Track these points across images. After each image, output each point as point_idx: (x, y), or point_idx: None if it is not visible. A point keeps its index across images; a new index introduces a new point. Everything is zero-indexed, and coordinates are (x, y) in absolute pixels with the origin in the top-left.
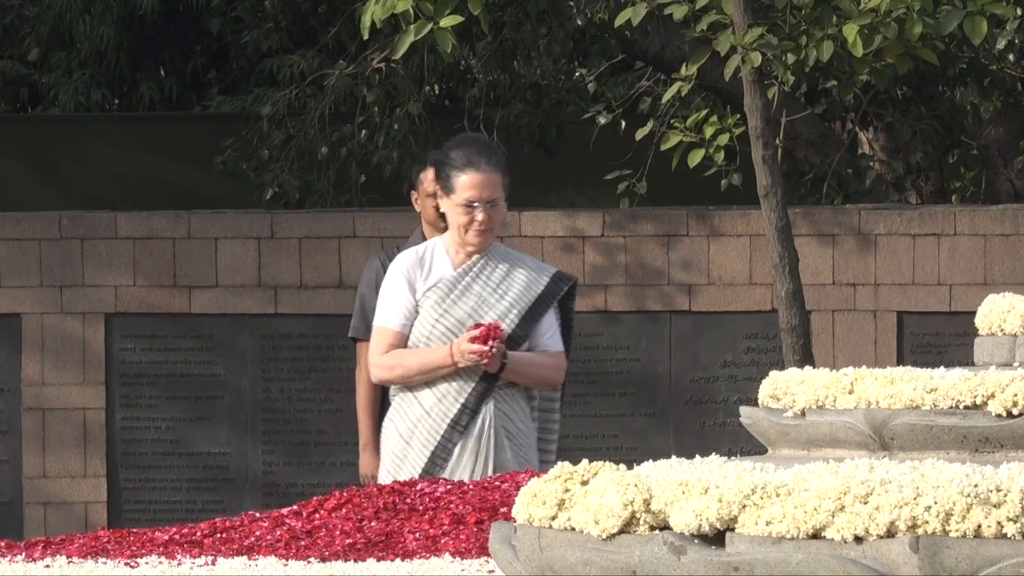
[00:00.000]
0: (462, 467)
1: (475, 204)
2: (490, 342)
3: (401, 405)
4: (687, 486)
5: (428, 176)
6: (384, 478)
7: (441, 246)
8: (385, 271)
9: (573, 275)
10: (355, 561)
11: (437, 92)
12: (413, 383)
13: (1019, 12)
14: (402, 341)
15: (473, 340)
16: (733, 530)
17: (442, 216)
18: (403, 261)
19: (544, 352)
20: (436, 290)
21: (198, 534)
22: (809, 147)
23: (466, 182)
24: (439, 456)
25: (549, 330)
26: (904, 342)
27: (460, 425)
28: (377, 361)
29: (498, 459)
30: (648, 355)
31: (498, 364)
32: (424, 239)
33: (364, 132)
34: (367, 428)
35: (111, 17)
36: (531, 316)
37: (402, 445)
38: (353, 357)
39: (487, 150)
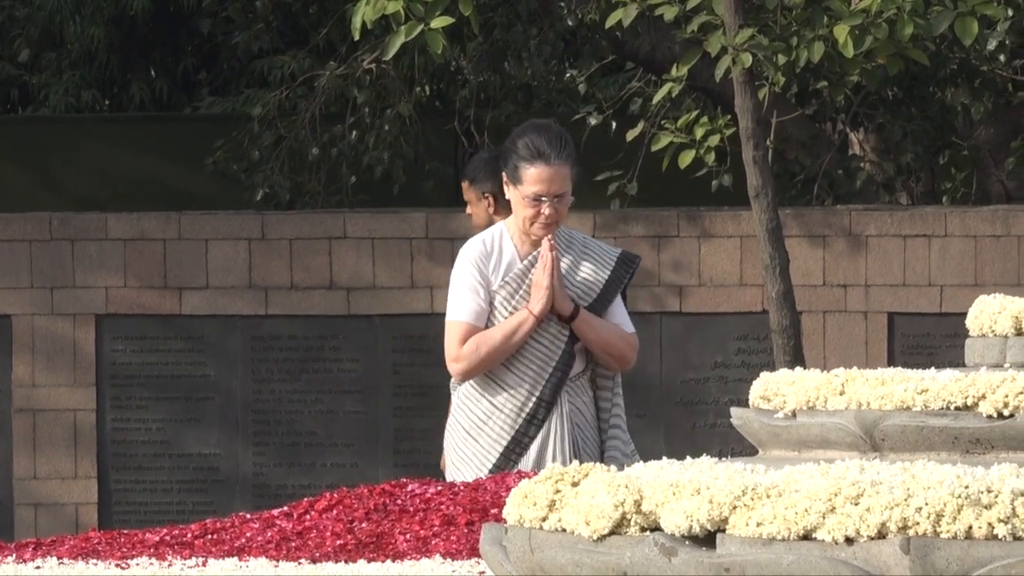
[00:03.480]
0: (543, 463)
1: (543, 198)
2: (547, 242)
3: (465, 401)
4: (678, 487)
5: (464, 186)
6: (451, 475)
7: (507, 233)
8: None
9: (637, 256)
10: (346, 562)
11: (428, 93)
12: (498, 360)
13: (1010, 13)
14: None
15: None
16: (724, 531)
17: (507, 202)
18: (471, 252)
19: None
20: (506, 285)
21: (189, 535)
22: (800, 148)
23: (534, 175)
24: (512, 451)
25: (617, 315)
26: (895, 343)
27: (537, 419)
28: (457, 354)
29: (573, 455)
30: (639, 356)
31: (566, 301)
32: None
33: (355, 133)
34: None
35: (101, 18)
36: (596, 308)
37: (470, 441)
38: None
39: (557, 141)
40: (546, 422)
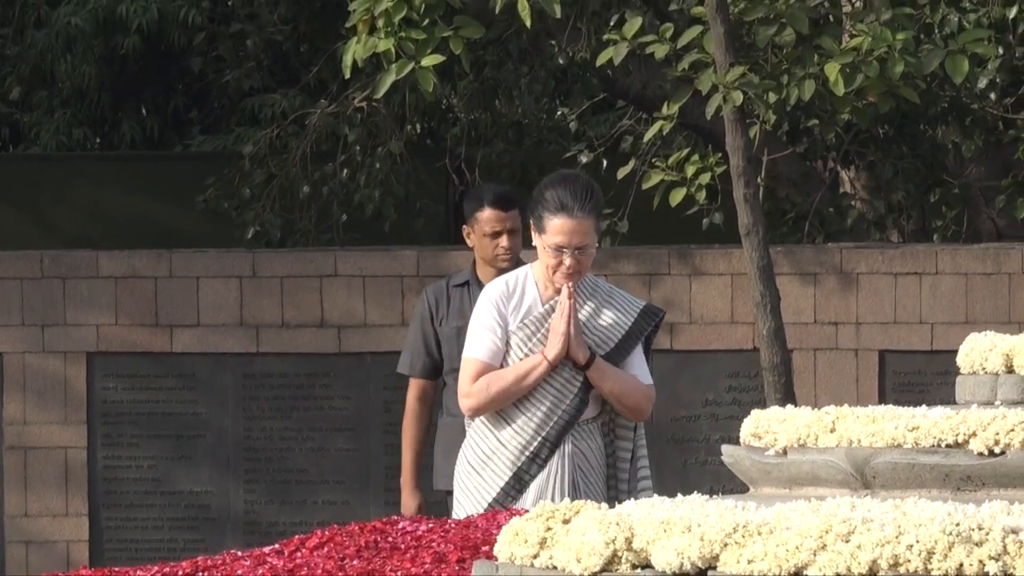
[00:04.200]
0: (536, 502)
1: (564, 249)
2: (566, 289)
3: (474, 436)
4: (669, 524)
5: (485, 215)
6: (457, 510)
7: (532, 276)
8: (431, 307)
9: (661, 309)
10: None
11: (419, 131)
12: (509, 400)
13: (1000, 51)
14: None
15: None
16: (715, 568)
17: (532, 247)
18: (493, 292)
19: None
20: (524, 327)
21: (180, 573)
22: (791, 186)
23: (557, 226)
24: (512, 487)
25: (635, 366)
26: (886, 381)
27: (540, 458)
28: (468, 390)
29: (573, 497)
30: None
31: (585, 351)
32: (475, 275)
33: (346, 171)
34: (409, 466)
35: (92, 56)
36: (614, 357)
37: (473, 475)
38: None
39: (582, 194)
40: (548, 462)
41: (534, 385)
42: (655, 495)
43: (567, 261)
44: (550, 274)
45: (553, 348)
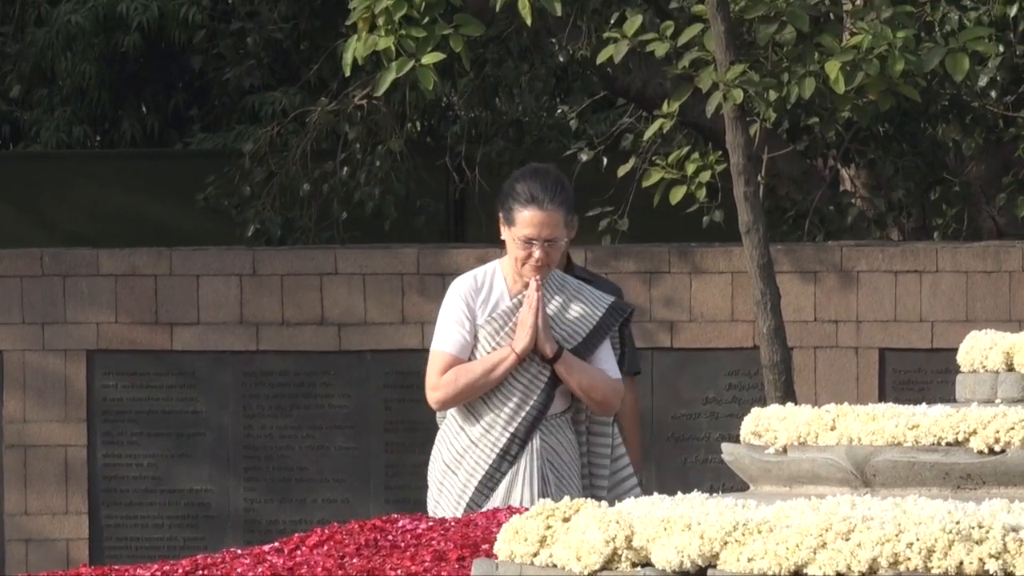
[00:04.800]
0: (511, 499)
1: (533, 241)
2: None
3: (446, 435)
4: (669, 523)
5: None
6: (431, 508)
7: (500, 271)
8: None
9: (630, 305)
10: None
11: (419, 129)
12: (476, 393)
13: (1000, 49)
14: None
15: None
16: (715, 567)
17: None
18: (461, 286)
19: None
20: (492, 321)
21: (180, 571)
22: (791, 184)
23: (527, 218)
24: (485, 486)
25: (603, 360)
26: (886, 379)
27: (510, 455)
28: (436, 383)
29: (542, 491)
30: None
31: (553, 345)
32: None
33: (346, 169)
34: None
35: (93, 54)
36: (582, 351)
37: (449, 475)
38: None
39: (552, 187)
40: (518, 459)
41: (502, 378)
42: (650, 493)
43: (536, 253)
44: (519, 267)
45: (521, 341)
